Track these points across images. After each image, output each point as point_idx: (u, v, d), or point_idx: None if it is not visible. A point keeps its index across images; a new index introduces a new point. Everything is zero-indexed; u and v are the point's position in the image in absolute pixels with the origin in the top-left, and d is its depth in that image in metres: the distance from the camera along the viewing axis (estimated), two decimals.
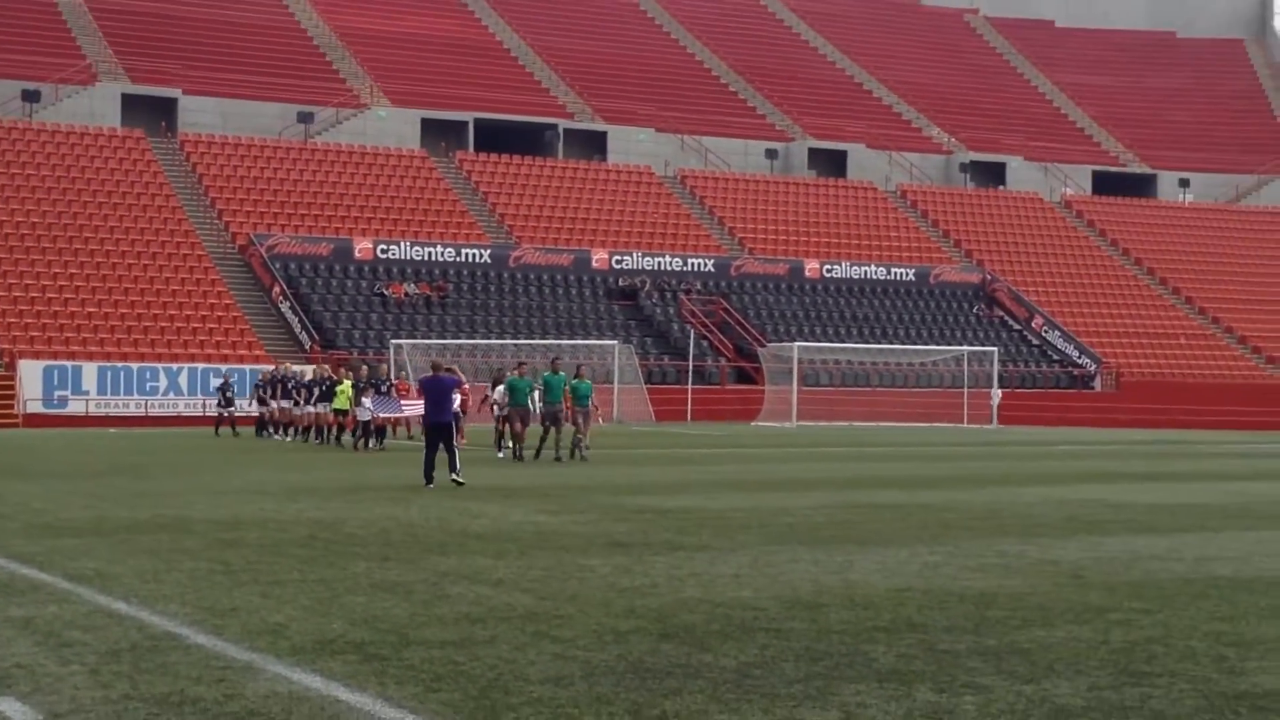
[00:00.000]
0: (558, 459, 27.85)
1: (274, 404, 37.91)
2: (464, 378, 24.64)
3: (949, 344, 60.30)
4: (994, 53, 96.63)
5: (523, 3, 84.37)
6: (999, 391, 56.06)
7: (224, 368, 45.93)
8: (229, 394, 40.71)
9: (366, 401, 32.32)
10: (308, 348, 50.33)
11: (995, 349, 58.19)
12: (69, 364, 46.26)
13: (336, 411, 34.34)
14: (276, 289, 53.99)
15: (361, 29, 75.98)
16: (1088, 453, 34.74)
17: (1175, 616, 10.10)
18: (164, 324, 50.20)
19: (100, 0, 71.31)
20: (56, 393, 45.75)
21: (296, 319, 52.50)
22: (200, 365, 47.79)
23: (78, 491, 19.68)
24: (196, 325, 50.57)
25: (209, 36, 70.83)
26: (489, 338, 53.00)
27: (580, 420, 28.91)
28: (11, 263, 51.44)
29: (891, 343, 60.10)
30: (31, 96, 61.58)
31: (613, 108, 74.18)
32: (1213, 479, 25.36)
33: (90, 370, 46.31)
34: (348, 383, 34.01)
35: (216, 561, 12.37)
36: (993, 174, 79.75)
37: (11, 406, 44.88)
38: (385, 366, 37.83)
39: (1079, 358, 62.94)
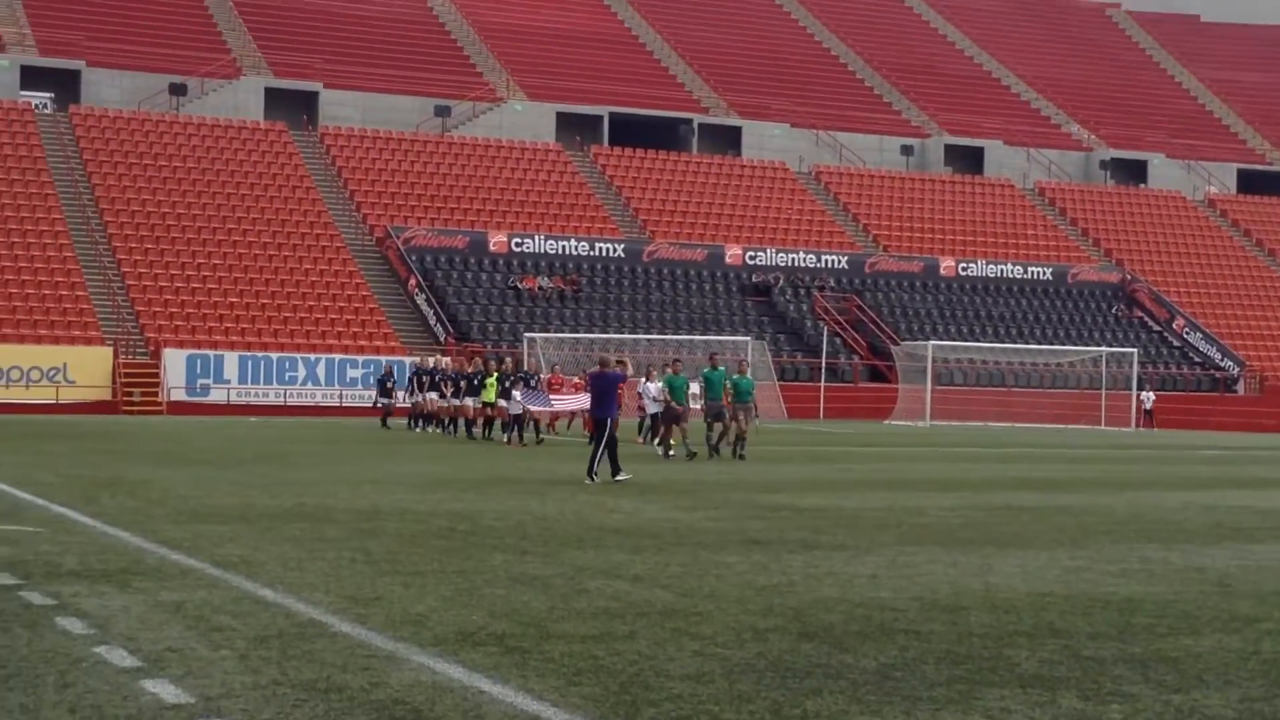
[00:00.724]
0: (714, 453, 27.53)
1: (420, 396, 38.02)
2: (631, 372, 24.26)
3: (1087, 344, 59.36)
4: (1136, 47, 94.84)
5: None
6: (1151, 394, 55.02)
7: (387, 359, 46.01)
8: (389, 385, 40.93)
9: (516, 394, 32.15)
10: (443, 340, 50.90)
11: (1135, 350, 57.14)
12: (211, 353, 47.27)
13: (485, 404, 34.36)
14: (413, 281, 54.65)
15: (498, 23, 76.65)
16: (1232, 458, 33.97)
17: None
18: (303, 314, 51.07)
19: None
20: (199, 381, 46.77)
21: (432, 311, 53.11)
22: (337, 356, 48.57)
23: (223, 479, 20.08)
24: (334, 316, 51.38)
25: (349, 31, 71.95)
26: (622, 332, 53.17)
27: (741, 417, 27.94)
28: (158, 253, 52.67)
29: (1028, 343, 59.30)
30: (178, 90, 63.02)
31: (747, 102, 74.02)
32: None
33: (232, 359, 47.28)
34: (496, 375, 34.10)
35: (358, 551, 12.54)
36: (1134, 172, 78.30)
37: (156, 394, 45.98)
38: (534, 360, 37.93)
39: (1221, 360, 61.60)
